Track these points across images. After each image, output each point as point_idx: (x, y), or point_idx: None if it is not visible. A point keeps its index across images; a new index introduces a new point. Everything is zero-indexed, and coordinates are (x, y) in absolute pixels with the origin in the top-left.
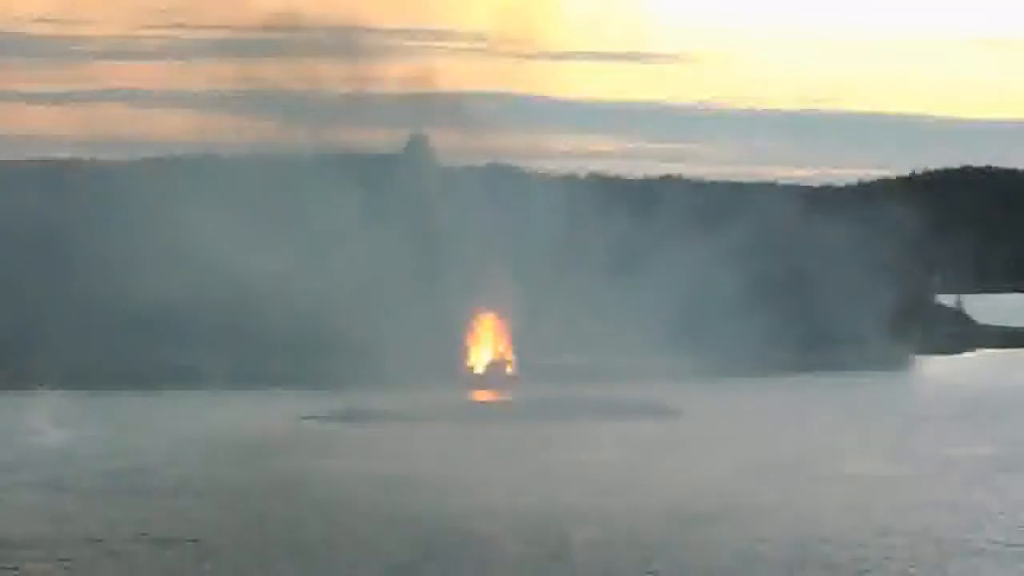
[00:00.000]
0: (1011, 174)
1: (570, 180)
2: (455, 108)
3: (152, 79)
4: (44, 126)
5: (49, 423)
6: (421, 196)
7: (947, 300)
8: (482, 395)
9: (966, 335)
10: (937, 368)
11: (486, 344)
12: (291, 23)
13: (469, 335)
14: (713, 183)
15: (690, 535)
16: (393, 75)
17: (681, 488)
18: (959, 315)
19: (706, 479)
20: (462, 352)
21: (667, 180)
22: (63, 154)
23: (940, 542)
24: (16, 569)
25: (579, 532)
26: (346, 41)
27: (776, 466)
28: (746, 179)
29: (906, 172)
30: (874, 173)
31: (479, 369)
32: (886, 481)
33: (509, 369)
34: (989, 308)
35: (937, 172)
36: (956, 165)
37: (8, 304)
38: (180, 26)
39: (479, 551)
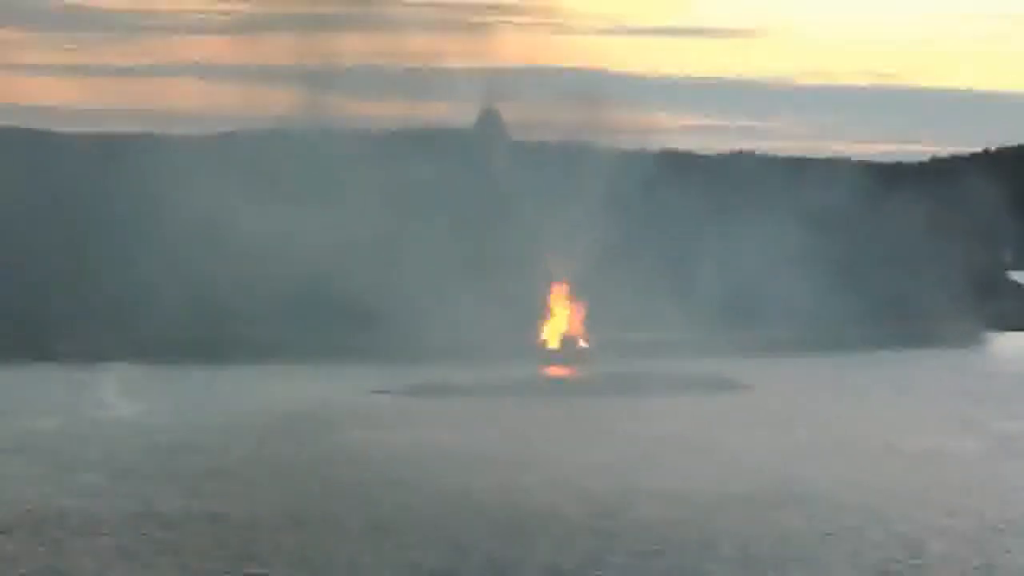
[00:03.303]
0: None
1: (642, 155)
2: (526, 83)
3: (223, 54)
4: (114, 100)
5: (119, 397)
6: (493, 171)
7: (1019, 277)
8: (555, 370)
9: None
10: (1009, 345)
11: (559, 319)
12: None
13: (542, 310)
14: (785, 159)
15: (758, 516)
16: (465, 49)
17: (751, 466)
18: None
19: (775, 456)
20: (535, 327)
21: (739, 155)
22: (133, 128)
23: (1006, 522)
24: (74, 549)
25: (645, 511)
26: (416, 15)
27: (846, 442)
28: (818, 154)
29: (979, 148)
30: (947, 149)
31: (552, 344)
32: (954, 458)
33: (582, 344)
34: None
35: (1010, 148)
36: None
37: (78, 277)
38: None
39: (544, 529)
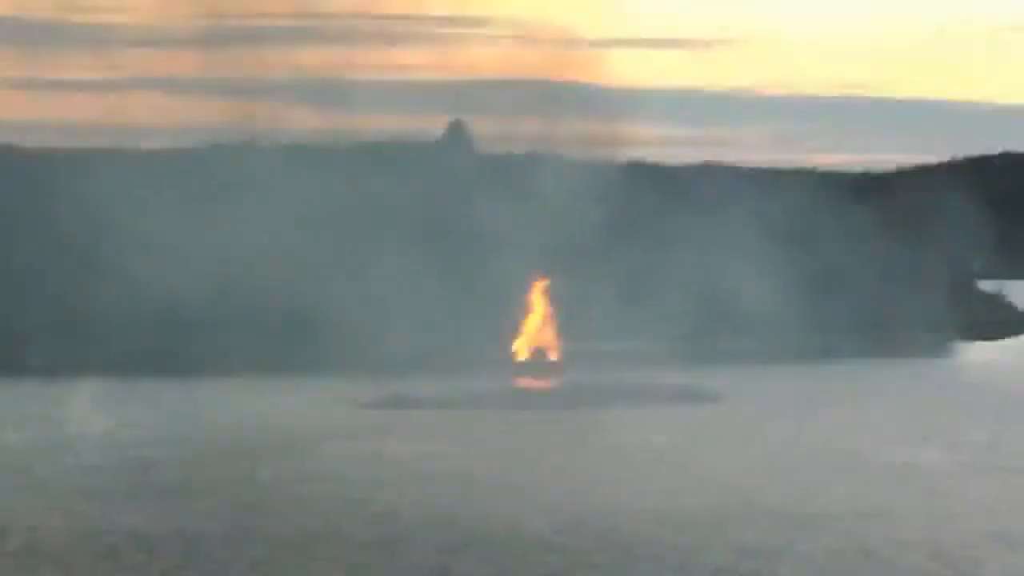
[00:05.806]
0: None
1: (608, 167)
2: (493, 95)
3: (188, 67)
4: (79, 114)
5: (89, 411)
6: (460, 183)
7: (988, 286)
8: (526, 381)
9: (1007, 321)
10: (978, 354)
11: (529, 330)
12: (326, 11)
13: (512, 321)
14: (752, 169)
15: (721, 531)
16: (432, 62)
17: (717, 479)
18: (1000, 301)
19: (742, 469)
20: (505, 338)
21: (706, 166)
22: (99, 142)
23: (970, 534)
24: (40, 565)
25: (606, 525)
26: (382, 28)
27: (813, 454)
28: (785, 165)
29: (946, 158)
30: (914, 159)
31: (522, 355)
32: (922, 470)
33: (552, 355)
34: None
35: (977, 157)
36: (996, 151)
37: (49, 292)
38: (213, 14)
39: (505, 546)
